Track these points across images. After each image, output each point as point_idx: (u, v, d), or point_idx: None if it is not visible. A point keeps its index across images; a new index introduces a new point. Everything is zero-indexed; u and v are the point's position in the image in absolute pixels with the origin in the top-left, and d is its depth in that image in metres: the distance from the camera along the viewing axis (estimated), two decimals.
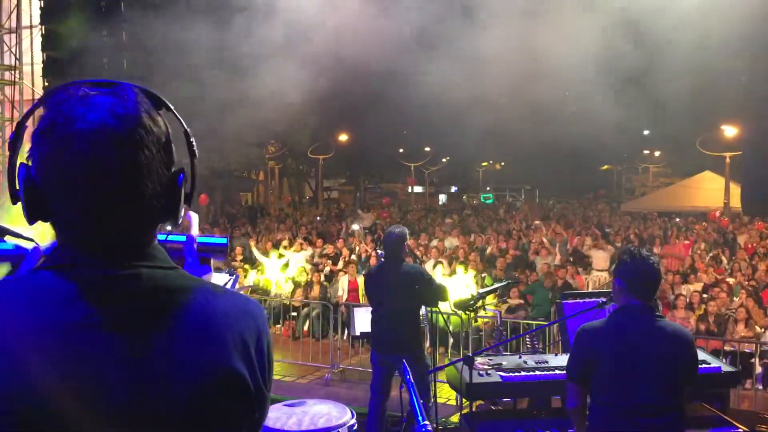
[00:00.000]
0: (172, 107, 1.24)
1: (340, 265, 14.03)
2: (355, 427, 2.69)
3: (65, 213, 1.15)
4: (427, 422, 2.10)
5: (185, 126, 1.28)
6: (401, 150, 41.53)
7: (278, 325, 12.44)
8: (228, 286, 6.68)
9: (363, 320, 6.81)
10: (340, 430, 2.49)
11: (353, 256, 14.46)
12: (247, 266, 14.04)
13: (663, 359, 3.26)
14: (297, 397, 3.68)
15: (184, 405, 1.12)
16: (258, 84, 13.48)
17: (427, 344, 6.98)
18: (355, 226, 20.54)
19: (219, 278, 6.73)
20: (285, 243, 15.84)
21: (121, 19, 15.74)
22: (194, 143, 1.29)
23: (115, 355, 1.10)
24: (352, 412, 2.74)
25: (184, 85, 12.62)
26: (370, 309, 6.21)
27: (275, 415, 2.44)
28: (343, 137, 32.44)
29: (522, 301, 11.73)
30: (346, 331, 10.40)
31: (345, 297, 12.01)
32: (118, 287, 1.14)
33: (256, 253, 14.70)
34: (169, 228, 1.30)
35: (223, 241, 1.71)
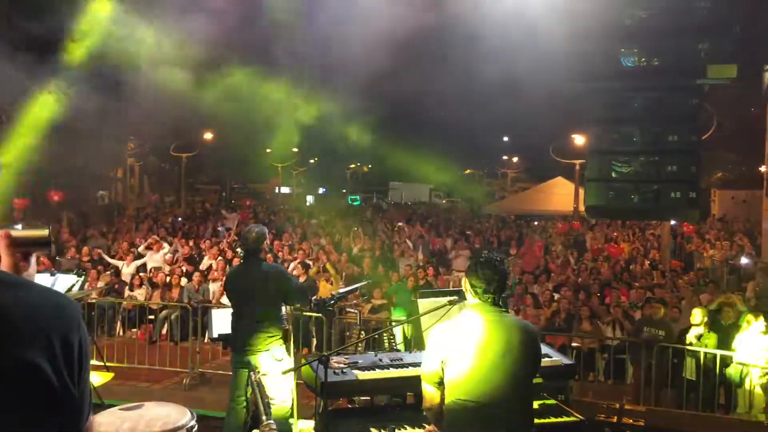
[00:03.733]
0: None
1: (204, 266, 13.68)
2: (194, 429, 2.61)
3: None
4: (271, 420, 2.08)
5: None
6: (269, 150, 41.04)
7: (134, 329, 11.93)
8: (75, 288, 6.26)
9: (221, 322, 6.65)
10: None
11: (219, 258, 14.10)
12: (99, 267, 13.35)
13: (511, 353, 3.40)
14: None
15: None
16: (118, 76, 12.86)
17: (290, 345, 6.92)
18: (220, 227, 20.09)
19: (66, 279, 6.35)
20: (143, 244, 15.21)
21: None
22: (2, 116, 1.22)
23: None
24: (192, 413, 2.66)
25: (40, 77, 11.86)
26: (229, 311, 6.08)
27: (108, 419, 2.32)
28: (209, 135, 31.58)
29: (385, 301, 11.92)
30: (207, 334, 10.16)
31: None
32: None
33: (107, 258, 14.06)
34: None
35: (44, 232, 1.59)
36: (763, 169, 18.15)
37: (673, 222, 16.82)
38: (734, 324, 9.65)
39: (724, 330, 9.18)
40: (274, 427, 2.06)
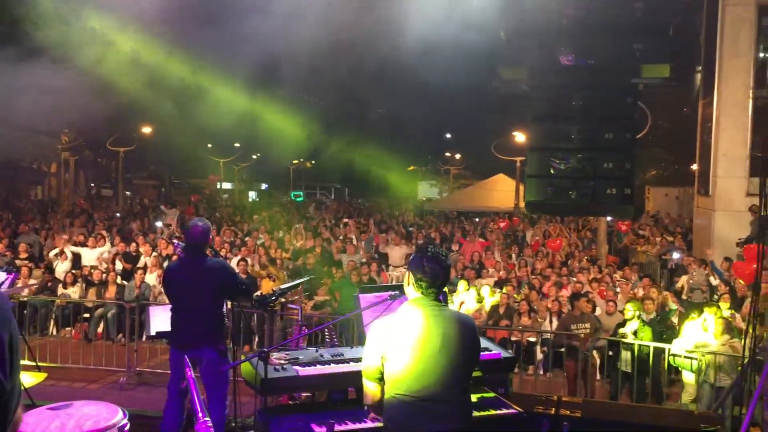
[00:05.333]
0: None
1: (141, 263, 13.36)
2: (126, 428, 2.54)
3: None
4: (207, 418, 2.04)
5: None
6: (210, 145, 40.44)
7: (68, 328, 11.58)
8: (5, 285, 6.04)
9: (160, 319, 6.51)
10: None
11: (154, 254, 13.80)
12: (31, 264, 12.90)
13: (449, 347, 3.41)
14: None
15: None
16: (49, 65, 12.40)
17: (229, 341, 6.82)
18: (158, 223, 19.67)
19: None
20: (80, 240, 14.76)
21: None
22: None
23: None
24: (124, 412, 2.59)
25: None
26: (167, 307, 5.94)
27: (35, 419, 2.23)
28: (147, 129, 30.83)
29: (328, 297, 11.90)
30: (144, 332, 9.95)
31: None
32: None
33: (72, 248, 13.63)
34: None
35: None
36: (694, 167, 18.81)
37: (609, 218, 17.26)
38: (656, 317, 9.97)
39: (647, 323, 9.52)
40: (210, 425, 2.02)
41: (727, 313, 9.34)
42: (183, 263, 5.81)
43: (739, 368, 7.14)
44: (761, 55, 14.53)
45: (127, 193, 38.50)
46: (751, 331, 6.29)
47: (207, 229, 5.66)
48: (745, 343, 7.08)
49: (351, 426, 3.98)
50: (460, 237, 18.72)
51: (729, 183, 14.73)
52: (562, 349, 10.37)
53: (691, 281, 12.53)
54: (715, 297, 11.18)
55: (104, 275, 12.28)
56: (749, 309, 7.04)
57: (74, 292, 12.06)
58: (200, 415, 2.08)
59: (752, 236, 12.32)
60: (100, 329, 11.55)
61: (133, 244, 14.66)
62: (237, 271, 11.43)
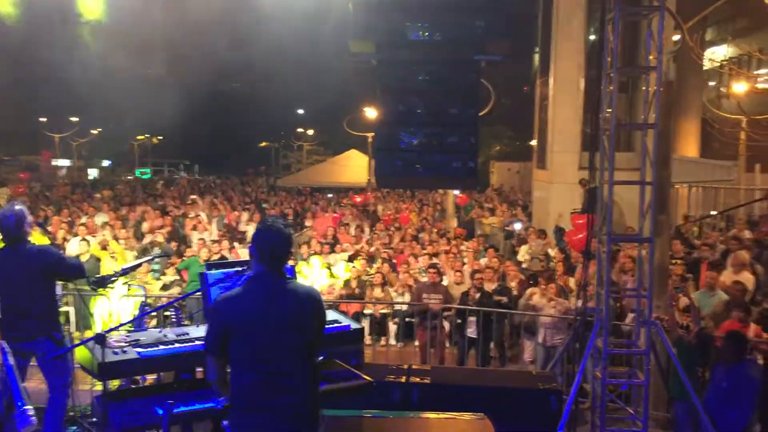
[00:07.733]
0: None
1: None
2: None
3: None
4: (28, 406, 1.88)
5: None
6: (43, 119, 37.59)
7: None
8: None
9: None
10: None
11: None
12: None
13: (294, 320, 3.38)
14: None
15: None
16: None
17: (68, 327, 6.40)
18: None
19: None
20: None
21: None
22: None
23: None
24: None
25: None
26: None
27: None
28: None
29: (178, 277, 11.52)
30: None
31: None
32: None
33: None
34: None
35: None
36: (533, 142, 19.91)
37: (456, 192, 17.94)
38: (498, 286, 10.47)
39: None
40: (32, 413, 1.86)
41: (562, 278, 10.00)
42: (2, 254, 5.35)
43: (571, 329, 7.69)
44: (591, 37, 15.56)
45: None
46: (582, 294, 6.77)
47: (20, 218, 5.23)
48: (577, 305, 7.62)
49: (197, 406, 3.86)
50: (311, 213, 18.72)
51: (564, 157, 15.72)
52: (414, 320, 10.68)
53: (529, 251, 13.29)
54: (552, 264, 11.93)
55: None
56: (581, 274, 7.57)
57: None
58: (19, 403, 1.91)
59: (585, 207, 13.23)
60: None
61: None
62: (77, 252, 10.81)
